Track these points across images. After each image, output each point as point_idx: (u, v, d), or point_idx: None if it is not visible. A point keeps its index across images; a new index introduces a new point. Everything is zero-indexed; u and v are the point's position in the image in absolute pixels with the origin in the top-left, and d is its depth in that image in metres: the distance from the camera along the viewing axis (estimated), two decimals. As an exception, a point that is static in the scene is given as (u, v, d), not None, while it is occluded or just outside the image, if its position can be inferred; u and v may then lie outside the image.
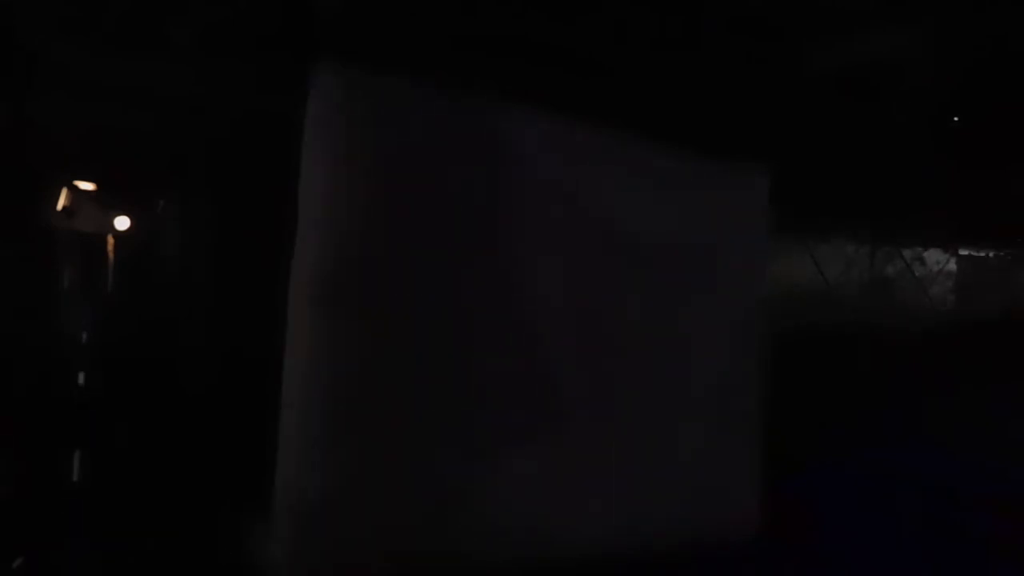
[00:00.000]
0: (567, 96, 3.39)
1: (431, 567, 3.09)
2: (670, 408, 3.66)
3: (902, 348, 4.49)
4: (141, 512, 3.19)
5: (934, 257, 4.76)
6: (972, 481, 4.01)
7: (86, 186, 3.30)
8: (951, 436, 4.17)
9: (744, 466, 3.85)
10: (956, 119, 4.57)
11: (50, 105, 3.33)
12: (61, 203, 3.24)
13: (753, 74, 3.98)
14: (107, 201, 3.34)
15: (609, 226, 3.52)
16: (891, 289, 4.81)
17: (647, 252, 3.64)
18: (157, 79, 3.37)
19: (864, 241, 4.90)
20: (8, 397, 3.23)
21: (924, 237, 4.78)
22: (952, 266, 4.67)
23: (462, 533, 3.14)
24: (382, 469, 2.98)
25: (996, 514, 3.91)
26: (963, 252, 4.62)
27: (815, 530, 3.93)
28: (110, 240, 3.36)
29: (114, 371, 3.29)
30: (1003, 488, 3.99)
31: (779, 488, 3.89)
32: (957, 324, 4.48)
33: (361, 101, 2.99)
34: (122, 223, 3.37)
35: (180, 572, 3.05)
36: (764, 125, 4.10)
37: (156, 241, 3.52)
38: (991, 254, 4.50)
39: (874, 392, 4.37)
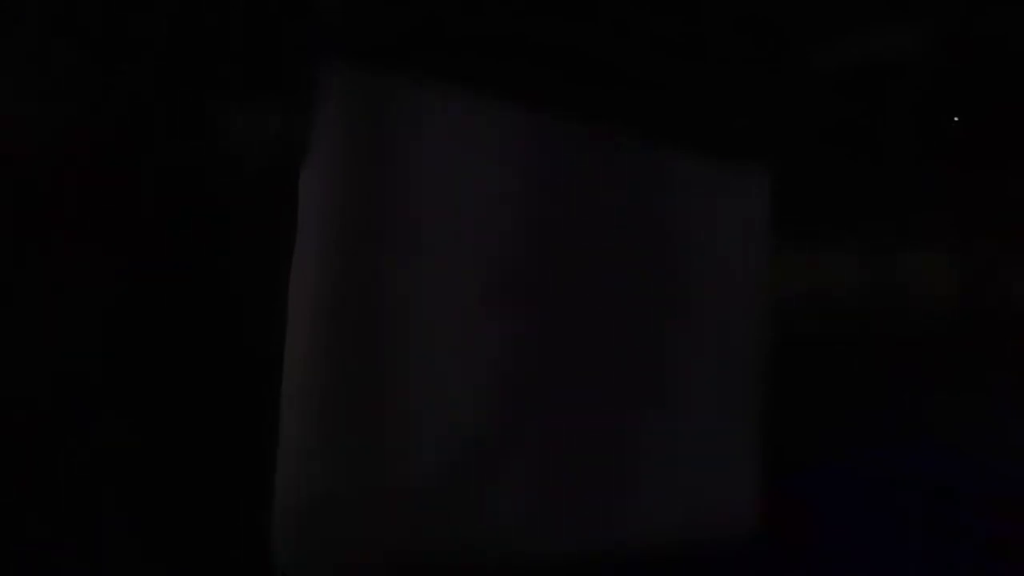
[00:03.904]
0: (568, 96, 3.40)
1: (431, 567, 3.09)
2: (669, 407, 3.66)
3: (902, 348, 4.48)
4: (139, 512, 3.19)
5: (934, 257, 4.76)
6: (972, 481, 4.01)
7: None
8: (951, 436, 4.16)
9: (744, 466, 3.86)
10: (956, 119, 4.57)
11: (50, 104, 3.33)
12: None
13: (754, 74, 3.98)
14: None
15: (608, 227, 3.53)
16: (891, 289, 4.81)
17: (646, 252, 3.64)
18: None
19: (864, 241, 4.90)
20: (8, 396, 3.23)
21: (924, 237, 4.78)
22: (952, 266, 4.66)
23: (462, 532, 3.15)
24: (383, 469, 2.99)
25: (997, 514, 3.91)
26: (963, 252, 4.62)
27: (815, 530, 3.92)
28: (110, 240, 3.36)
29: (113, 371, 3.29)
30: (1004, 488, 3.98)
31: (779, 488, 3.89)
32: (957, 324, 4.48)
33: (361, 101, 2.99)
34: (122, 223, 3.37)
35: (179, 572, 3.05)
36: (765, 125, 4.10)
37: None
38: (991, 254, 4.49)
39: (874, 392, 4.37)
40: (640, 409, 3.58)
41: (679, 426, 3.69)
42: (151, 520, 3.18)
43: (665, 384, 3.66)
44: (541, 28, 3.39)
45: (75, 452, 3.20)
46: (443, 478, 3.09)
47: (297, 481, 2.88)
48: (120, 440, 3.27)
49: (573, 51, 3.46)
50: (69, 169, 3.35)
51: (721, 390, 3.82)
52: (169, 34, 3.32)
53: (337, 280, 2.94)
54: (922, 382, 4.32)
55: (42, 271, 3.38)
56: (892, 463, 4.17)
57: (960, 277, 4.60)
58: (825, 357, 4.36)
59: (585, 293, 3.46)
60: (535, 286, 3.35)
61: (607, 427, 3.49)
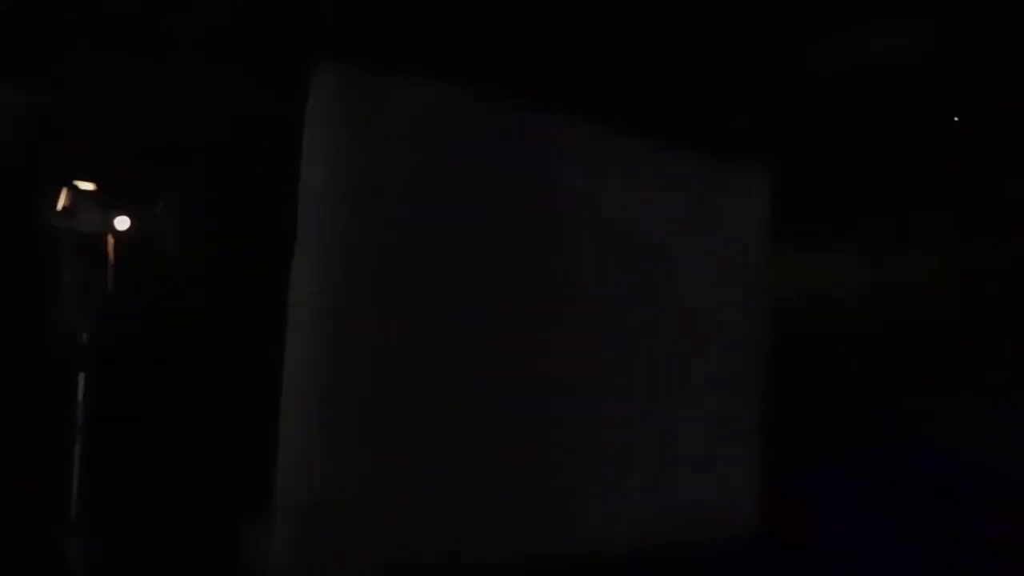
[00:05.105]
0: (567, 96, 3.39)
1: (431, 567, 3.09)
2: (670, 407, 3.66)
3: (902, 348, 4.48)
4: (140, 512, 3.19)
5: (934, 258, 4.75)
6: (972, 481, 4.01)
7: (86, 186, 3.30)
8: (951, 436, 4.16)
9: (744, 466, 3.85)
10: (956, 119, 4.56)
11: (50, 105, 3.33)
12: (61, 203, 3.24)
13: (754, 74, 3.98)
14: (107, 201, 3.34)
15: (608, 226, 3.53)
16: (891, 289, 4.81)
17: (647, 252, 3.64)
18: (157, 79, 3.38)
19: (864, 241, 4.89)
20: (8, 397, 3.23)
21: (924, 237, 4.77)
22: (952, 267, 4.66)
23: (462, 533, 3.14)
24: (383, 469, 2.99)
25: (997, 514, 3.90)
26: (963, 252, 4.62)
27: (815, 530, 3.92)
28: (110, 240, 3.36)
29: (114, 371, 3.29)
30: (1004, 488, 3.98)
31: (779, 488, 3.89)
32: (957, 324, 4.48)
33: (361, 101, 2.99)
34: (122, 223, 3.37)
35: (179, 572, 3.05)
36: (764, 125, 4.09)
37: (156, 241, 3.52)
38: (991, 254, 4.49)
39: (874, 392, 4.37)
40: (640, 409, 3.58)
41: (679, 426, 3.69)
42: (150, 519, 3.18)
43: (665, 384, 3.66)
44: (541, 28, 3.39)
45: (73, 453, 3.20)
46: (442, 480, 3.09)
47: (296, 483, 2.88)
48: (119, 441, 3.27)
49: (573, 51, 3.45)
50: (65, 168, 3.35)
51: (721, 390, 3.82)
52: (171, 33, 3.33)
53: (337, 279, 2.94)
54: (922, 382, 4.32)
55: (42, 272, 3.38)
56: (892, 463, 4.17)
57: (960, 277, 4.60)
58: (825, 357, 4.36)
59: (586, 293, 3.45)
60: (537, 286, 3.35)
61: (607, 427, 3.49)
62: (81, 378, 3.22)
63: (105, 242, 3.35)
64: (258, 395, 2.98)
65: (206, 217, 3.60)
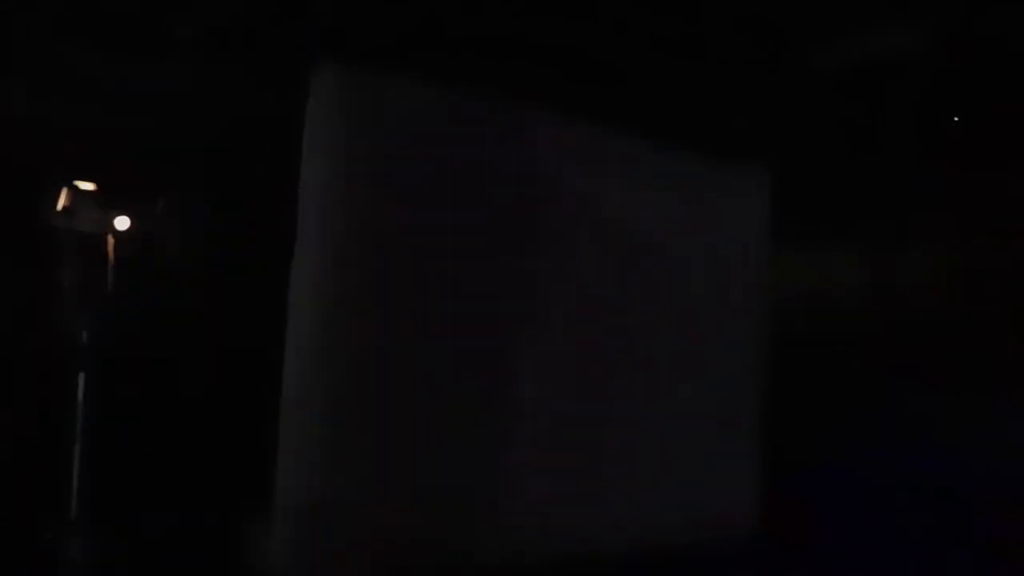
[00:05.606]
0: (567, 96, 3.40)
1: (432, 567, 3.09)
2: (670, 408, 3.66)
3: (902, 348, 4.48)
4: (140, 512, 3.19)
5: (934, 258, 4.76)
6: (972, 481, 4.01)
7: (86, 186, 3.30)
8: (951, 436, 4.16)
9: (744, 466, 3.86)
10: (956, 119, 4.57)
11: (50, 105, 3.33)
12: (61, 203, 3.24)
13: (754, 74, 3.98)
14: (107, 201, 3.34)
15: (608, 226, 3.53)
16: (891, 290, 4.81)
17: (647, 252, 3.64)
18: (157, 79, 3.38)
19: (864, 241, 4.89)
20: (8, 397, 3.23)
21: (924, 237, 4.78)
22: (952, 266, 4.66)
23: (462, 533, 3.14)
24: (383, 469, 2.99)
25: (997, 514, 3.91)
26: (963, 252, 4.62)
27: (815, 530, 3.92)
28: (110, 240, 3.36)
29: (114, 371, 3.29)
30: (1004, 488, 3.98)
31: (779, 488, 3.89)
32: (957, 324, 4.48)
33: (361, 101, 2.99)
34: (122, 223, 3.37)
35: (179, 572, 3.05)
36: (765, 125, 4.10)
37: (156, 241, 3.52)
38: (991, 254, 4.50)
39: (874, 392, 4.37)
40: (640, 409, 3.58)
41: (679, 426, 3.69)
42: (151, 519, 3.18)
43: (665, 384, 3.66)
44: (541, 28, 3.39)
45: (73, 453, 3.20)
46: (442, 480, 3.09)
47: (297, 481, 2.88)
48: (119, 441, 3.27)
49: (573, 51, 3.45)
50: (65, 168, 3.35)
51: (721, 390, 3.82)
52: (171, 33, 3.33)
53: (337, 279, 2.94)
54: (922, 382, 4.32)
55: (42, 272, 3.38)
56: (892, 463, 4.17)
57: (960, 277, 4.60)
58: (825, 357, 4.36)
59: (586, 294, 3.45)
60: (537, 285, 3.35)
61: (607, 427, 3.49)
62: (81, 378, 3.21)
63: (105, 242, 3.35)
64: (258, 395, 2.98)
65: (206, 217, 3.60)
